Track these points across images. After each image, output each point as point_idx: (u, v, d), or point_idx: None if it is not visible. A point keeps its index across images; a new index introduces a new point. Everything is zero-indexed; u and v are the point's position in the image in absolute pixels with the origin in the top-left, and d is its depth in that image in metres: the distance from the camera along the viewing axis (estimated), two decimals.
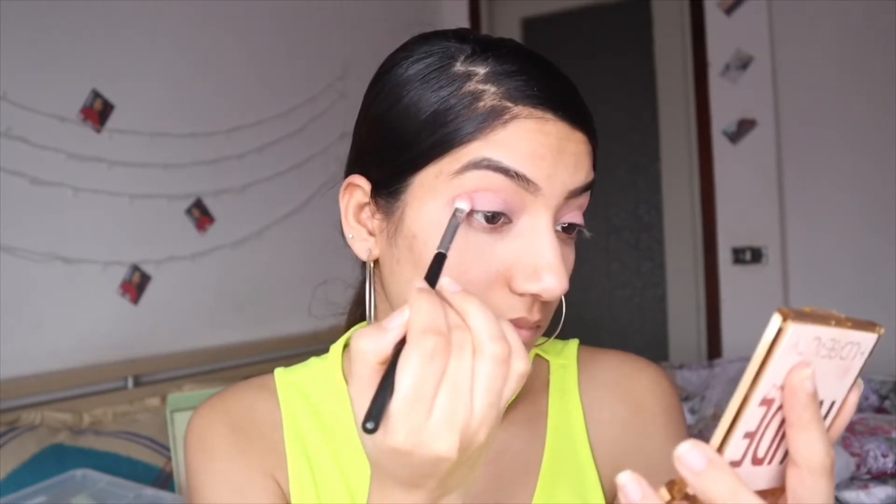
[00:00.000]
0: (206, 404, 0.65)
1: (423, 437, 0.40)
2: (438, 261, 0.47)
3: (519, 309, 0.52)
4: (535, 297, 0.52)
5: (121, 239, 2.04)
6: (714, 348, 2.70)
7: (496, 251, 0.52)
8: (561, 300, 0.60)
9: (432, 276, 0.45)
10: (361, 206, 0.58)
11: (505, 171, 0.51)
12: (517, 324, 0.53)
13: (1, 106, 1.81)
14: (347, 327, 0.72)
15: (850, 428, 1.66)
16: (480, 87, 0.52)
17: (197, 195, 2.23)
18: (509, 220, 0.52)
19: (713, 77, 2.67)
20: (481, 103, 0.52)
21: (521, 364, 0.42)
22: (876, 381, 2.04)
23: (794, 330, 0.35)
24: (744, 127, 2.63)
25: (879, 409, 1.99)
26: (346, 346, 0.67)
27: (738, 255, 2.66)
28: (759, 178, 2.61)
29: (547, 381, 0.66)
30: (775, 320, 0.35)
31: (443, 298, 0.43)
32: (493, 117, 0.51)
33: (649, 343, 2.93)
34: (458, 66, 0.53)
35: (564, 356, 0.67)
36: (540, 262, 0.51)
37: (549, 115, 0.52)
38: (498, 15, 3.19)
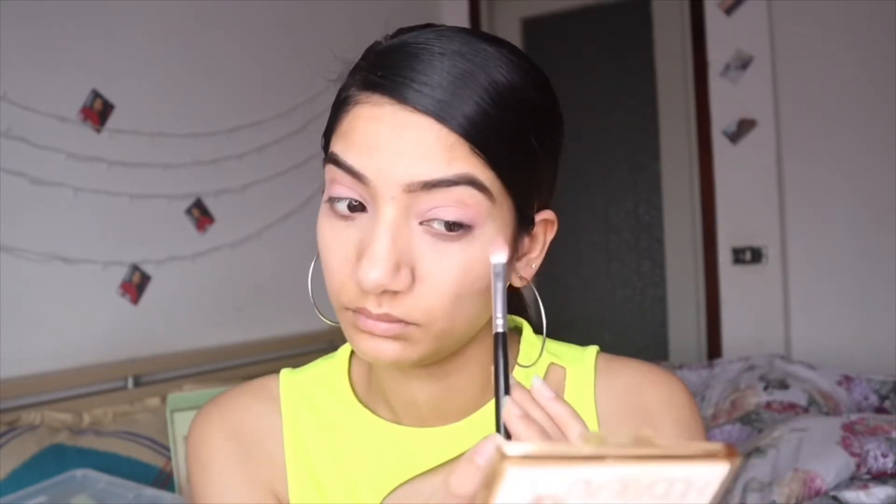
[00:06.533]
0: (203, 411, 0.65)
1: None
2: (499, 341, 0.42)
3: (363, 299, 0.51)
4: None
5: (121, 239, 2.04)
6: (714, 348, 2.70)
7: (348, 238, 0.52)
8: (536, 298, 0.60)
9: (501, 358, 0.41)
10: None
11: (340, 166, 0.51)
12: (359, 313, 0.52)
13: (1, 106, 1.80)
14: None
15: (851, 428, 1.66)
16: (349, 80, 0.54)
17: (197, 195, 2.23)
18: (364, 209, 0.52)
19: (713, 77, 2.67)
20: (341, 96, 0.54)
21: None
22: (876, 381, 2.04)
23: (514, 475, 0.25)
24: (744, 127, 2.63)
25: (879, 409, 1.98)
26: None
27: (738, 255, 2.65)
28: (759, 178, 2.61)
29: (563, 390, 0.63)
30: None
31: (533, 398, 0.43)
32: (341, 108, 0.53)
33: (649, 343, 2.93)
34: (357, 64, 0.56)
35: (581, 364, 0.64)
36: (364, 250, 0.50)
37: (384, 100, 0.50)
38: (498, 15, 3.19)
